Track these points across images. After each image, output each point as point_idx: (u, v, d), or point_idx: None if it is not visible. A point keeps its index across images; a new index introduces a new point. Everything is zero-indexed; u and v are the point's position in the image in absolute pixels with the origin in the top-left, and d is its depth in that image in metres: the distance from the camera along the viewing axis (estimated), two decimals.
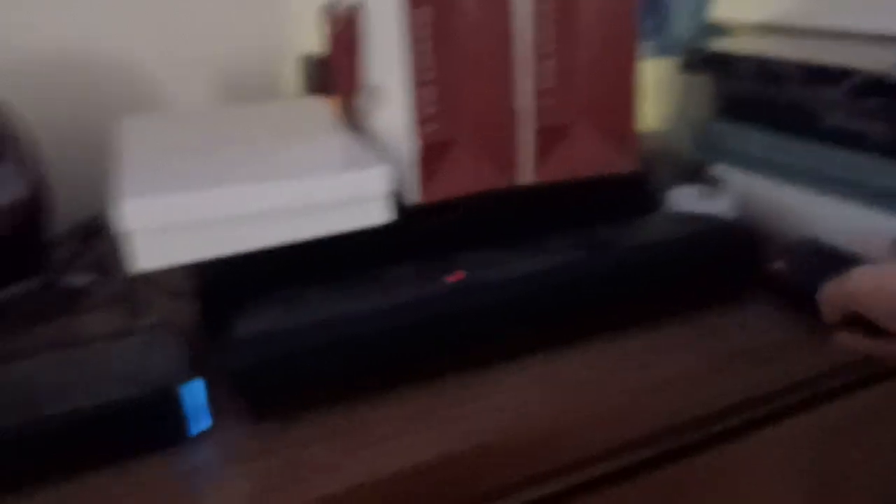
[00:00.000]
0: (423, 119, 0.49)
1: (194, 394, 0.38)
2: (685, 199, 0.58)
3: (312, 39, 0.79)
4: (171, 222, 0.42)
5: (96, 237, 0.67)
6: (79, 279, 0.56)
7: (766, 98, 0.59)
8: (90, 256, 0.61)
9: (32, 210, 0.55)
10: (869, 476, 0.58)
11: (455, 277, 0.44)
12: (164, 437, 0.37)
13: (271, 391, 0.40)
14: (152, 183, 0.44)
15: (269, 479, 0.36)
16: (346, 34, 0.54)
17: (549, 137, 0.52)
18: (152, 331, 0.42)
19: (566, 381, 0.43)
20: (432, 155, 0.49)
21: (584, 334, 0.46)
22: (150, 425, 0.37)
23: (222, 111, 0.64)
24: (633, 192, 0.56)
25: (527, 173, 0.52)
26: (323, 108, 0.61)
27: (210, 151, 0.50)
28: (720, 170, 0.62)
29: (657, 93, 0.69)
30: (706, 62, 0.63)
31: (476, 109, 0.50)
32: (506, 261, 0.47)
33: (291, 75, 0.79)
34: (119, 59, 0.73)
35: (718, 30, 0.69)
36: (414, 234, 0.48)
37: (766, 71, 0.58)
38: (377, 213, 0.46)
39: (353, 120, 0.57)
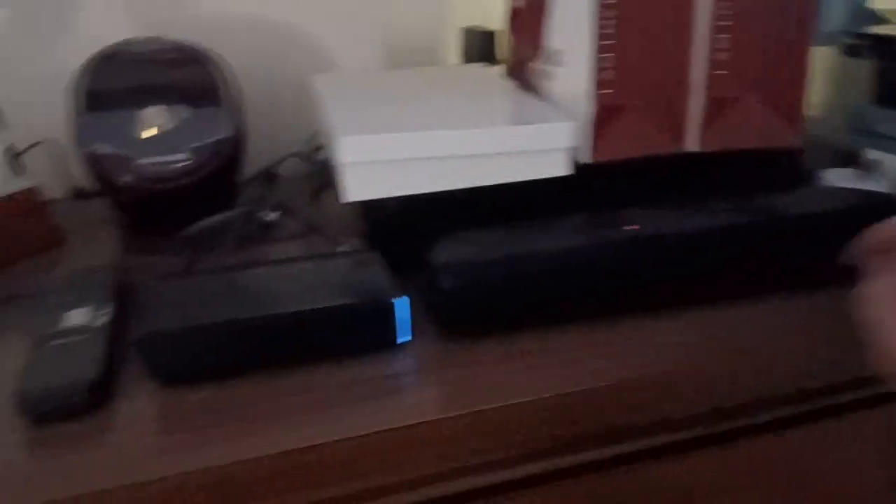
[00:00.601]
0: (602, 83, 0.52)
1: (402, 308, 0.43)
2: (841, 180, 0.60)
3: (469, 13, 0.84)
4: (379, 159, 0.48)
5: (274, 181, 0.74)
6: (268, 215, 0.63)
7: None
8: (272, 197, 0.68)
9: (236, 149, 0.62)
10: None
11: (631, 228, 0.48)
12: (376, 342, 0.43)
13: (465, 313, 0.44)
14: (363, 125, 0.49)
15: (454, 388, 0.40)
16: (532, 4, 0.58)
17: (718, 108, 0.55)
18: (360, 253, 0.48)
19: (725, 332, 0.46)
20: (607, 117, 0.53)
21: (742, 292, 0.49)
22: (366, 331, 0.42)
23: (402, 72, 0.69)
24: (791, 167, 0.58)
25: (693, 141, 0.55)
26: (493, 73, 0.66)
27: (405, 103, 0.55)
28: (875, 154, 0.63)
29: (814, 79, 0.70)
30: (869, 47, 0.64)
31: (652, 77, 0.53)
32: (673, 219, 0.50)
33: (451, 45, 0.84)
34: (302, 27, 0.80)
35: (875, 17, 0.70)
36: (587, 189, 0.52)
37: None
38: (558, 166, 0.50)
39: (523, 83, 0.61)
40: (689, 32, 0.53)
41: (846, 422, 0.51)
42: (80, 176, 0.72)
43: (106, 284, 0.48)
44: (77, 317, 0.44)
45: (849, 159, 0.63)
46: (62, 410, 0.38)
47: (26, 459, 0.36)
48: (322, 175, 0.74)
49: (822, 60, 0.70)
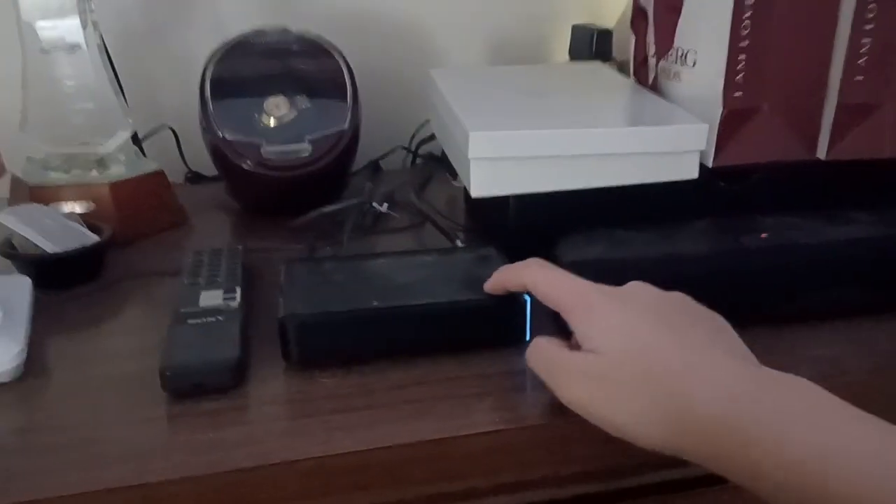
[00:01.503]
0: (735, 85, 0.51)
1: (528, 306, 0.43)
2: None
3: (582, 11, 0.83)
4: (508, 155, 0.47)
5: (378, 173, 0.75)
6: (381, 206, 0.63)
7: None
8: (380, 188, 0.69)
9: (353, 142, 0.63)
10: None
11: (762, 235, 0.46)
12: (506, 337, 0.43)
13: None
14: (490, 121, 0.49)
15: None
16: (661, 2, 0.57)
17: (854, 115, 0.53)
18: (482, 248, 0.48)
19: (874, 344, 0.44)
20: (736, 120, 0.52)
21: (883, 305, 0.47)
22: (499, 326, 0.42)
23: (518, 69, 0.69)
24: None
25: (826, 148, 0.53)
26: (610, 71, 0.65)
27: (529, 100, 0.55)
28: None
29: None
30: None
31: (786, 80, 0.51)
32: (801, 227, 0.48)
33: (559, 42, 0.83)
34: (410, 21, 0.81)
35: None
36: (716, 193, 0.51)
37: None
38: (689, 169, 0.49)
39: (644, 82, 0.60)
40: (830, 35, 0.51)
41: None
42: (191, 161, 0.75)
43: (234, 266, 0.49)
44: (211, 298, 0.45)
45: None
46: (203, 388, 0.39)
47: (167, 434, 0.38)
48: (428, 169, 0.74)
49: None
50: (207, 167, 0.68)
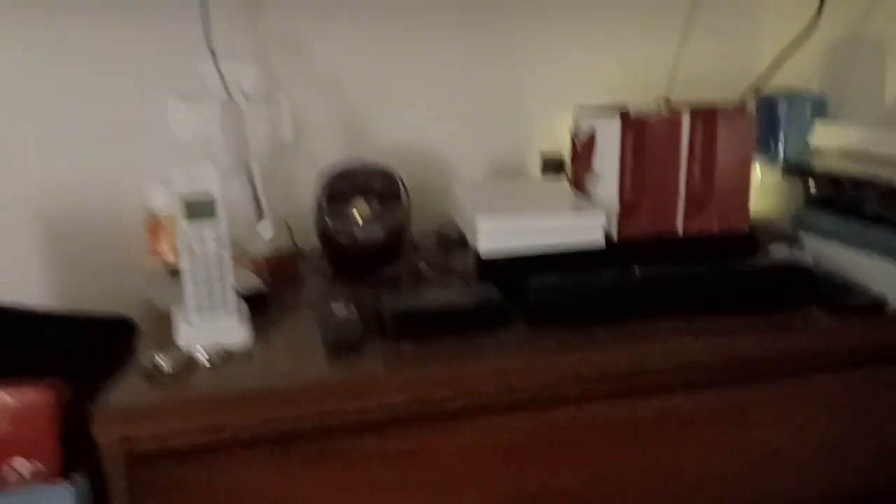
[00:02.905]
0: (625, 189, 0.92)
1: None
2: (779, 251, 0.96)
3: (547, 144, 1.26)
4: (500, 230, 0.87)
5: (418, 247, 1.15)
6: (422, 266, 1.03)
7: (835, 196, 0.97)
8: (420, 256, 1.08)
9: (405, 228, 1.03)
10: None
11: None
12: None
13: (547, 312, 0.83)
14: (490, 209, 0.89)
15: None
16: (585, 144, 0.98)
17: (696, 206, 0.93)
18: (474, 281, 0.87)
19: (707, 333, 0.82)
20: (628, 210, 0.92)
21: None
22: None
23: (506, 182, 1.11)
24: (748, 244, 0.95)
25: (681, 227, 0.93)
26: (562, 183, 1.06)
27: (511, 200, 0.96)
28: (806, 239, 0.99)
29: (772, 189, 1.08)
30: (800, 172, 1.01)
31: (654, 187, 0.92)
32: (665, 269, 0.88)
33: (534, 163, 1.25)
34: (432, 150, 1.23)
35: (818, 151, 1.07)
36: (617, 254, 0.91)
37: (835, 180, 0.96)
38: (599, 238, 0.89)
39: (581, 190, 1.01)
40: (677, 161, 0.92)
41: None
42: (295, 241, 1.14)
43: (344, 296, 0.88)
44: (340, 309, 0.84)
45: (790, 240, 0.99)
46: (347, 347, 0.77)
47: (328, 372, 0.76)
48: (448, 244, 1.14)
49: (777, 177, 1.08)
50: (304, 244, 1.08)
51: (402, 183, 1.03)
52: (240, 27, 1.12)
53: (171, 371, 0.74)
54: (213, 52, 1.04)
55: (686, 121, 0.92)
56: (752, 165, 0.94)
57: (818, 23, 1.09)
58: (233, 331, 0.80)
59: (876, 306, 0.84)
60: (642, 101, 1.07)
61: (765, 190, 1.08)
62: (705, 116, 0.92)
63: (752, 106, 1.07)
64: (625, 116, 0.92)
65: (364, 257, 1.00)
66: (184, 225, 0.77)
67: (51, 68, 1.06)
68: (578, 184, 1.02)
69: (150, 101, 1.09)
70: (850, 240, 0.93)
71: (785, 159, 1.09)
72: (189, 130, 1.07)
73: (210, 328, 0.79)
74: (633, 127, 0.91)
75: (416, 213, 1.10)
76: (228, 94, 1.06)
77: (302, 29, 1.15)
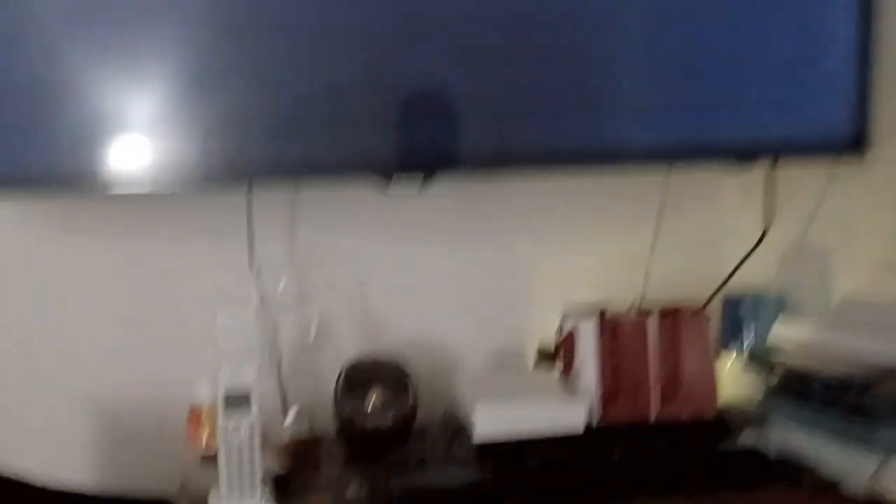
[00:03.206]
0: (603, 381, 1.05)
1: None
2: (744, 436, 1.08)
3: (541, 340, 1.41)
4: (494, 415, 1.00)
5: (424, 432, 1.27)
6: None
7: (792, 385, 1.09)
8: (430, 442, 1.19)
9: (413, 414, 1.16)
10: None
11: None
12: None
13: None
14: (486, 396, 1.03)
15: None
16: (568, 340, 1.13)
17: (667, 396, 1.06)
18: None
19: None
20: (606, 400, 1.05)
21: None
22: None
23: (501, 374, 1.25)
24: (716, 429, 1.07)
25: (655, 413, 1.06)
26: (552, 376, 1.20)
27: (506, 387, 1.09)
28: (769, 423, 1.10)
29: (738, 379, 1.21)
30: (760, 364, 1.15)
31: (629, 379, 1.06)
32: (638, 451, 0.99)
33: (532, 358, 1.40)
34: (438, 346, 1.39)
35: (778, 345, 1.22)
36: (597, 439, 1.03)
37: (791, 371, 1.10)
38: (580, 424, 1.01)
39: (568, 381, 1.14)
40: (647, 357, 1.06)
41: None
42: (315, 428, 1.27)
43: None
44: (351, 491, 0.95)
45: (753, 425, 1.11)
46: None
47: None
48: (452, 428, 1.26)
49: (741, 368, 1.21)
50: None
51: (409, 374, 1.18)
52: (277, 242, 1.32)
53: None
54: (257, 273, 1.24)
55: (653, 321, 1.07)
56: (717, 359, 1.08)
57: (768, 233, 1.29)
58: None
59: (829, 485, 0.94)
60: (624, 297, 1.24)
61: (732, 380, 1.21)
62: (670, 317, 1.07)
63: (710, 308, 1.23)
64: (601, 317, 1.07)
65: (375, 442, 1.12)
66: (223, 414, 0.91)
67: (120, 283, 1.27)
68: (564, 378, 1.16)
69: (201, 310, 1.27)
70: (807, 424, 1.05)
71: (749, 352, 1.23)
72: (232, 337, 1.24)
73: None
74: (608, 327, 1.07)
75: (425, 398, 1.23)
76: (266, 302, 1.24)
77: (329, 242, 1.35)
